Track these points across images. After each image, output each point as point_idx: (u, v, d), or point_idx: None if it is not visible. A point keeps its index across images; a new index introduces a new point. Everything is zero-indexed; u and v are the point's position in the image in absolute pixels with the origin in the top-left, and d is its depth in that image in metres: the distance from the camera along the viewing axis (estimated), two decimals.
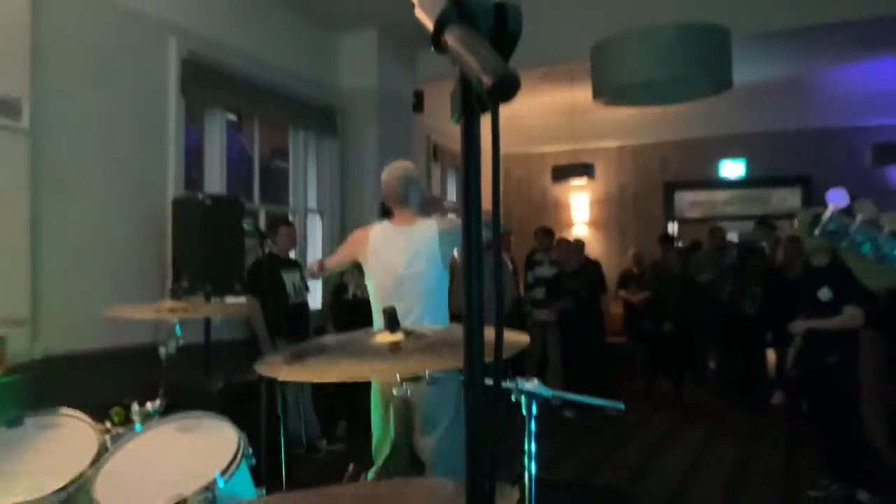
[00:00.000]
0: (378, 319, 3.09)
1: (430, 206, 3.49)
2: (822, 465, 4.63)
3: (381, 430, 3.16)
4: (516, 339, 1.54)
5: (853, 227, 1.12)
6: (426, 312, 3.05)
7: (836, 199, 1.15)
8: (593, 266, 7.78)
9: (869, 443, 4.56)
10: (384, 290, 3.13)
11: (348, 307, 6.05)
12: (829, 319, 4.32)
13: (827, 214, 1.14)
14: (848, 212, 1.14)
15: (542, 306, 7.26)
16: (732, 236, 9.37)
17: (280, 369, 1.54)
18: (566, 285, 7.23)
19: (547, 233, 7.74)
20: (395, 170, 3.25)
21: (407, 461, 3.18)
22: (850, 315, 4.25)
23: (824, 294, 4.34)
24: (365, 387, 3.21)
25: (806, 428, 5.36)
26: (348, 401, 5.66)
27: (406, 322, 1.59)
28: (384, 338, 1.58)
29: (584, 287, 7.22)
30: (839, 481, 4.45)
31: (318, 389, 5.51)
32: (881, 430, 4.93)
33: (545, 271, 7.42)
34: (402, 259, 3.12)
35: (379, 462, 3.15)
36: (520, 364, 6.93)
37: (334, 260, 3.46)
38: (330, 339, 1.66)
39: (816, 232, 1.14)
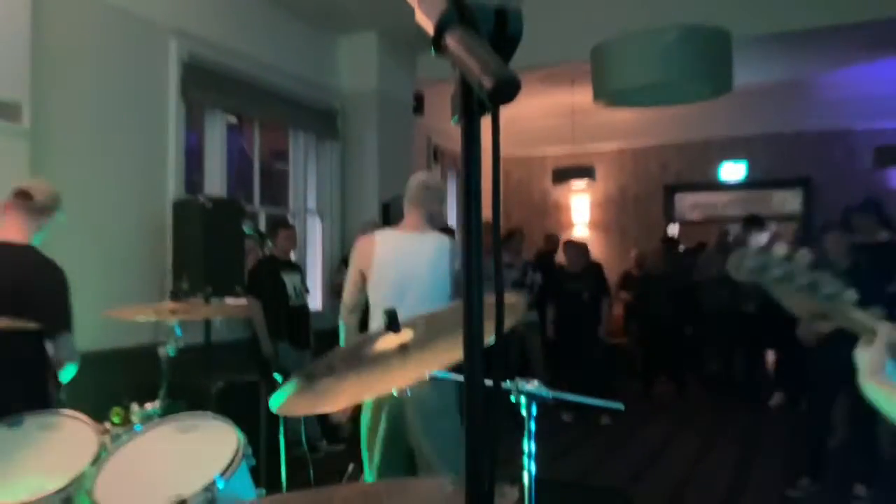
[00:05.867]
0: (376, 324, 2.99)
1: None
2: (810, 462, 4.72)
3: (369, 434, 3.00)
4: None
5: (772, 260, 1.09)
6: None
7: (758, 238, 1.12)
8: (596, 268, 7.75)
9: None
10: (387, 297, 2.99)
11: None
12: None
13: (746, 254, 1.12)
14: (767, 248, 1.11)
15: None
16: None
17: (295, 403, 1.47)
18: (568, 287, 7.21)
19: (517, 235, 7.60)
20: (422, 175, 3.26)
21: (402, 465, 3.00)
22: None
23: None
24: None
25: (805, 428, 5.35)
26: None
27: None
28: (389, 341, 1.50)
29: (585, 289, 7.18)
30: (815, 479, 4.61)
31: None
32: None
33: (515, 275, 7.31)
34: (411, 265, 3.03)
35: (371, 470, 2.99)
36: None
37: (348, 292, 3.13)
38: (336, 353, 1.61)
39: (740, 275, 1.12)
